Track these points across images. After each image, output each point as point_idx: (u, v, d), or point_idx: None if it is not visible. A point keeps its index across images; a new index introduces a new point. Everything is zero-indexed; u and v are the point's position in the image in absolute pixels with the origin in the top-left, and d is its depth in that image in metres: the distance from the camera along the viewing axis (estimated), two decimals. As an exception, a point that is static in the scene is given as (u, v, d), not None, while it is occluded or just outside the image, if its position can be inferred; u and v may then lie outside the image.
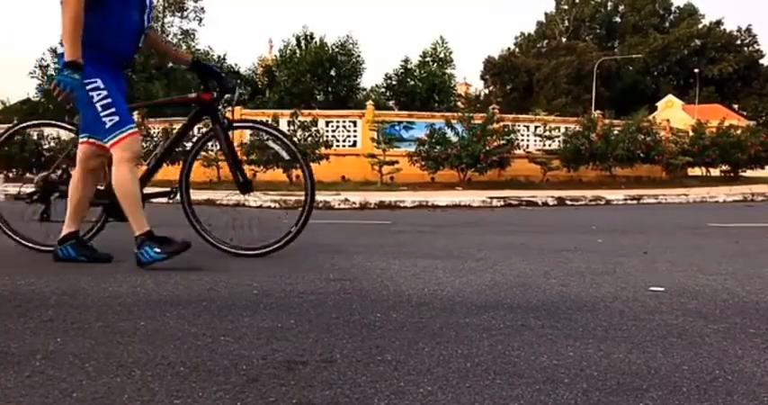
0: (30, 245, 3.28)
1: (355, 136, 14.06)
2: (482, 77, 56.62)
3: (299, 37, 25.02)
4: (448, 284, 2.56)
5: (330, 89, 24.46)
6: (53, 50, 24.68)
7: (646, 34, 53.70)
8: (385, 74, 26.31)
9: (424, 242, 3.79)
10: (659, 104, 46.28)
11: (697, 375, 1.50)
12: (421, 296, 2.34)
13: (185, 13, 33.55)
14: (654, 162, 13.46)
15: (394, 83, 25.94)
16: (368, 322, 1.96)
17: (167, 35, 31.62)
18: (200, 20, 34.20)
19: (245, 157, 12.55)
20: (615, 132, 13.10)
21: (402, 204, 7.75)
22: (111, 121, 2.76)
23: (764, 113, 17.67)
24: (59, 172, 3.27)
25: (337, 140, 13.88)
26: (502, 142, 11.73)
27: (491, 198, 8.41)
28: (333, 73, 24.32)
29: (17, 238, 3.31)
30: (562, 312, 2.10)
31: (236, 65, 27.01)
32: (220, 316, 2.02)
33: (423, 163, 11.92)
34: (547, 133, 13.46)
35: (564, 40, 56.84)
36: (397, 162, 11.83)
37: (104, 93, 2.76)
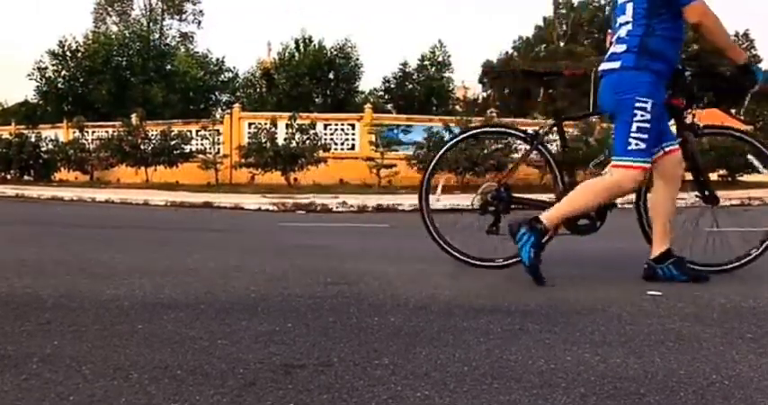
0: (466, 259, 3.11)
1: (353, 139, 14.08)
2: (480, 81, 56.74)
3: (297, 40, 25.02)
4: (445, 288, 2.56)
5: (328, 92, 24.45)
6: (51, 52, 24.64)
7: (644, 39, 53.86)
8: (383, 77, 26.33)
9: (422, 245, 3.78)
10: (657, 109, 46.33)
11: (694, 380, 1.50)
12: (418, 300, 2.33)
13: (184, 16, 33.56)
14: (651, 166, 13.45)
15: (392, 86, 25.98)
16: (365, 326, 1.96)
17: (165, 38, 31.60)
18: (199, 23, 34.13)
19: (242, 160, 12.56)
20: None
21: (400, 207, 7.75)
22: (636, 145, 2.66)
23: (762, 118, 17.72)
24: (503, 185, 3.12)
25: (335, 143, 13.90)
26: (499, 146, 11.74)
27: (489, 201, 8.39)
28: (331, 76, 24.32)
29: (456, 253, 3.15)
30: (559, 316, 2.10)
31: (234, 68, 27.02)
32: (218, 319, 2.02)
33: (421, 166, 11.92)
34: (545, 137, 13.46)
35: (562, 44, 56.98)
36: (395, 165, 11.85)
37: (647, 117, 2.63)
